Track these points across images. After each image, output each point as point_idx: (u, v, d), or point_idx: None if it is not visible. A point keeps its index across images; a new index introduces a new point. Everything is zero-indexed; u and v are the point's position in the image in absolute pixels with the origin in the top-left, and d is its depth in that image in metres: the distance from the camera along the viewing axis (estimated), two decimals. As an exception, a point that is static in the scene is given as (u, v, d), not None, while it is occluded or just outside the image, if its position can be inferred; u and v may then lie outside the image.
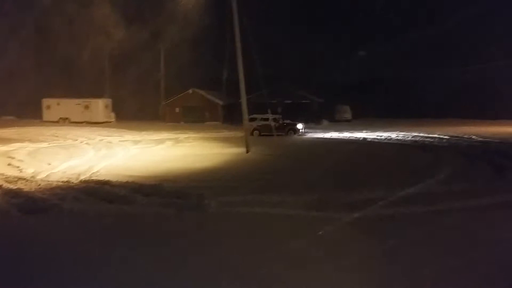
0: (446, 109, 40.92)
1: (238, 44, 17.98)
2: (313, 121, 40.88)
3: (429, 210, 7.85)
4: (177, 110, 44.79)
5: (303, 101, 44.16)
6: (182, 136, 26.71)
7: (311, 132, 28.89)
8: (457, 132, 26.51)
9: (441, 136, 24.06)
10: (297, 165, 14.60)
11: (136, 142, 22.91)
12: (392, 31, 43.14)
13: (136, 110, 41.83)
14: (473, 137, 23.52)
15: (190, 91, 44.82)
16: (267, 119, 26.05)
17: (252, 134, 25.02)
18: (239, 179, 11.35)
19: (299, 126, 27.98)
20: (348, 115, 46.21)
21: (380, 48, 45.18)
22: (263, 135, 25.67)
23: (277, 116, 28.28)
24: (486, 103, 38.00)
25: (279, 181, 10.87)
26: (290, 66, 47.67)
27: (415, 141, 22.32)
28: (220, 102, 44.66)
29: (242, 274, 4.42)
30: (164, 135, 27.41)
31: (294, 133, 27.18)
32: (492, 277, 4.89)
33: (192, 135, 27.46)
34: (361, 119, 43.62)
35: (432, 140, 22.71)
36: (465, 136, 23.92)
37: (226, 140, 23.54)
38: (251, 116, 26.90)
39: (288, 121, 28.27)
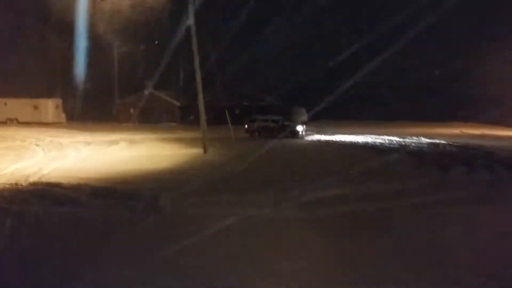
0: (400, 111, 42.37)
1: (195, 46, 17.87)
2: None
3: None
4: (132, 110, 43.83)
5: (261, 103, 44.49)
6: (137, 137, 26.17)
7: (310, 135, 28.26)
8: (408, 134, 27.52)
9: (393, 138, 24.92)
10: (254, 165, 14.62)
11: (88, 143, 22.21)
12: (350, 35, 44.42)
13: (89, 110, 40.56)
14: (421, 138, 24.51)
15: (146, 91, 43.99)
16: (267, 120, 25.70)
17: (251, 135, 25.60)
18: (194, 180, 11.26)
19: (299, 128, 26.76)
20: (304, 117, 46.90)
21: (337, 51, 46.37)
22: (265, 136, 24.78)
23: (278, 118, 27.20)
24: (437, 106, 39.55)
25: (235, 182, 10.88)
26: (246, 68, 47.89)
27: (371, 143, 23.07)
28: (177, 103, 44.15)
29: (188, 274, 4.37)
30: (118, 136, 26.72)
31: (293, 136, 25.48)
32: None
33: (147, 136, 26.97)
34: (317, 121, 44.41)
35: (383, 141, 23.53)
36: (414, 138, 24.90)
37: (183, 141, 23.27)
38: (252, 117, 27.13)
39: (288, 123, 27.06)
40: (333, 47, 47.17)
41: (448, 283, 4.75)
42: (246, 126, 26.62)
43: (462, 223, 7.26)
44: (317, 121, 43.75)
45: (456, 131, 31.70)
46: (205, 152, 17.70)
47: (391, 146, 21.20)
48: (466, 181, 11.49)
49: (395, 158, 16.17)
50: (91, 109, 40.92)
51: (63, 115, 40.39)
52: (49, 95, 40.22)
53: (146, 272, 4.46)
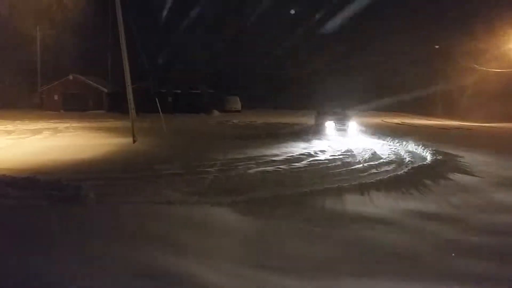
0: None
1: (122, 29, 17.41)
2: (204, 111, 41.20)
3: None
4: (56, 97, 41.69)
5: (194, 91, 44.17)
6: (61, 125, 25.10)
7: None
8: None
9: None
10: (184, 154, 14.68)
11: (9, 132, 21.02)
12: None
13: (9, 98, 38.08)
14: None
15: (70, 77, 41.98)
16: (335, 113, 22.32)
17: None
18: (122, 169, 11.18)
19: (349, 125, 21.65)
20: (237, 105, 47.30)
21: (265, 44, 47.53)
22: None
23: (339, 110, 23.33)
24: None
25: (164, 171, 10.93)
26: (179, 56, 47.38)
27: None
28: (105, 90, 42.57)
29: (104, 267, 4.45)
30: (41, 124, 25.48)
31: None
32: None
33: (73, 124, 25.94)
34: (249, 109, 45.07)
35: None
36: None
37: (111, 130, 22.67)
38: (321, 110, 23.60)
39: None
40: (265, 39, 48.35)
41: None
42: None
43: None
44: (253, 109, 44.57)
45: (378, 120, 33.60)
46: (134, 141, 17.42)
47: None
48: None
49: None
50: (13, 97, 38.49)
51: (-20, 103, 37.59)
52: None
53: (52, 260, 4.46)
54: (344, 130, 20.99)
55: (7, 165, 11.33)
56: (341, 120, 21.55)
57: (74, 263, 4.35)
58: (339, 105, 24.58)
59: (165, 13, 46.75)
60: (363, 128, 22.56)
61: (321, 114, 22.92)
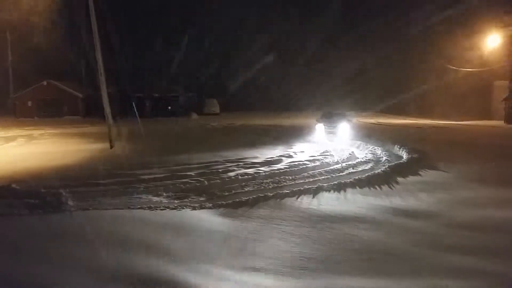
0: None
1: (95, 31, 17.21)
2: (182, 114, 41.07)
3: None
4: (29, 103, 40.88)
5: (172, 94, 43.98)
6: (36, 132, 24.64)
7: None
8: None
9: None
10: (163, 159, 14.62)
11: (-20, 140, 20.53)
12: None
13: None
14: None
15: (45, 82, 41.28)
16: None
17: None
18: (100, 176, 11.07)
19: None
20: (216, 108, 47.29)
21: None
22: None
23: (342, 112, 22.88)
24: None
25: (143, 176, 10.88)
26: (156, 59, 47.08)
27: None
28: (80, 95, 41.95)
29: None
30: (14, 132, 24.97)
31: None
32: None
33: (48, 131, 25.52)
34: (227, 112, 45.14)
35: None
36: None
37: (87, 136, 22.38)
38: (325, 111, 22.85)
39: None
40: (240, 44, 48.62)
41: None
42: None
43: None
44: (230, 112, 44.63)
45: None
46: (111, 147, 17.24)
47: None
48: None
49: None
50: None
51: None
52: None
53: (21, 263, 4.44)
54: (334, 133, 20.13)
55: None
56: (331, 122, 20.73)
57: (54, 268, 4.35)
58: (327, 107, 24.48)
59: (143, 15, 46.38)
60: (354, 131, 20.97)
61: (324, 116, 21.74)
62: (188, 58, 48.68)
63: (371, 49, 44.18)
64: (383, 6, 44.30)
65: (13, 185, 9.29)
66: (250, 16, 49.01)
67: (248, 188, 9.51)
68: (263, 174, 11.15)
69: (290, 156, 14.36)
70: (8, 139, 20.86)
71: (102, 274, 4.43)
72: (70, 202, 7.76)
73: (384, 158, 13.87)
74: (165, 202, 8.13)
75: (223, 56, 49.37)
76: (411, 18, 40.64)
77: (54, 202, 7.74)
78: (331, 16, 45.91)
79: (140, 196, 8.66)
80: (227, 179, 10.48)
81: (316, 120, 21.39)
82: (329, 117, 21.44)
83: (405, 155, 14.22)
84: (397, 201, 8.70)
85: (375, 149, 16.12)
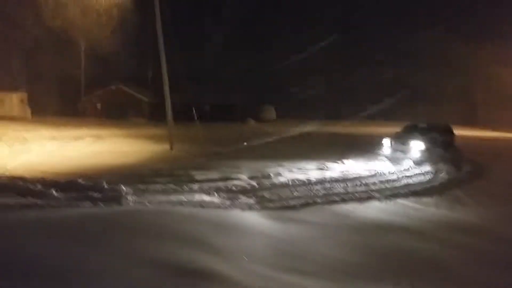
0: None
1: (161, 42, 18.13)
2: (240, 121, 41.79)
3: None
4: (98, 106, 43.43)
5: (231, 101, 45.01)
6: (103, 132, 26.08)
7: None
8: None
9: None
10: (219, 161, 14.94)
11: (53, 138, 22.05)
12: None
13: (55, 105, 39.91)
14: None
15: (113, 86, 43.70)
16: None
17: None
18: (158, 174, 11.58)
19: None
20: (272, 115, 47.71)
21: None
22: None
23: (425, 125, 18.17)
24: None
25: (198, 176, 11.24)
26: (214, 67, 48.44)
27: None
28: (145, 99, 43.98)
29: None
30: (84, 131, 26.58)
31: None
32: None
33: (114, 132, 26.91)
34: (285, 118, 45.39)
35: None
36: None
37: (150, 138, 23.40)
38: (409, 124, 18.78)
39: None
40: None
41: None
42: None
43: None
44: (288, 118, 44.84)
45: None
46: (171, 149, 17.97)
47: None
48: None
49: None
50: (57, 104, 40.30)
51: (28, 110, 39.54)
52: (13, 88, 39.34)
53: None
54: (403, 151, 15.90)
55: (50, 168, 12.00)
56: (405, 138, 16.42)
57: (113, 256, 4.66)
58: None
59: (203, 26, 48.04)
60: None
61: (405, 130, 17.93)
62: (248, 66, 49.59)
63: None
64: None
65: (79, 180, 9.99)
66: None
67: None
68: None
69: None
70: (77, 138, 22.23)
71: (153, 264, 4.69)
72: (129, 197, 8.23)
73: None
74: (216, 202, 8.39)
75: (284, 65, 49.67)
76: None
77: (115, 196, 8.25)
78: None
79: (194, 194, 8.98)
80: (277, 184, 10.58)
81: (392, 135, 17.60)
82: (410, 131, 17.34)
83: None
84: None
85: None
